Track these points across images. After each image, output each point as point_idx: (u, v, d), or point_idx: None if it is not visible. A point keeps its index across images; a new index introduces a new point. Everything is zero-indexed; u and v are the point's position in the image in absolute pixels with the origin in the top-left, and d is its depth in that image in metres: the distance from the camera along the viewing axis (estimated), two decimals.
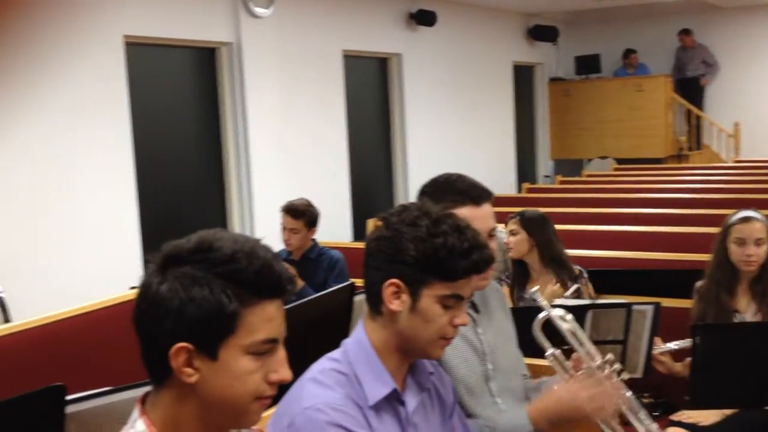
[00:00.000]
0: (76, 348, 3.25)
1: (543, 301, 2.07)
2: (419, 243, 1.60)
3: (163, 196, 6.53)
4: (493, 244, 1.97)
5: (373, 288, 1.65)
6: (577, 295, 3.46)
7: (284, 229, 4.53)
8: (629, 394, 1.99)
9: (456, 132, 9.74)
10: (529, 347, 2.14)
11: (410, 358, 1.70)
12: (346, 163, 8.17)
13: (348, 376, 1.62)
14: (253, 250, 1.21)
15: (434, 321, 1.62)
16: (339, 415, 1.53)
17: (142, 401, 1.27)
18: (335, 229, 7.25)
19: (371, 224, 6.04)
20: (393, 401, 1.65)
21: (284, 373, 1.24)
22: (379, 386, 1.62)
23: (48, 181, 5.49)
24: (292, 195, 4.76)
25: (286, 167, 7.21)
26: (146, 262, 1.24)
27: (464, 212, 1.94)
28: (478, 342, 2.03)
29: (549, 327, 2.05)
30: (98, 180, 5.80)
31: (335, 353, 1.68)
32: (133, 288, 4.02)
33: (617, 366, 1.97)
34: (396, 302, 1.63)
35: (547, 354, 2.00)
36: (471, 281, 1.64)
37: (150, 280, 1.21)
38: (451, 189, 2.02)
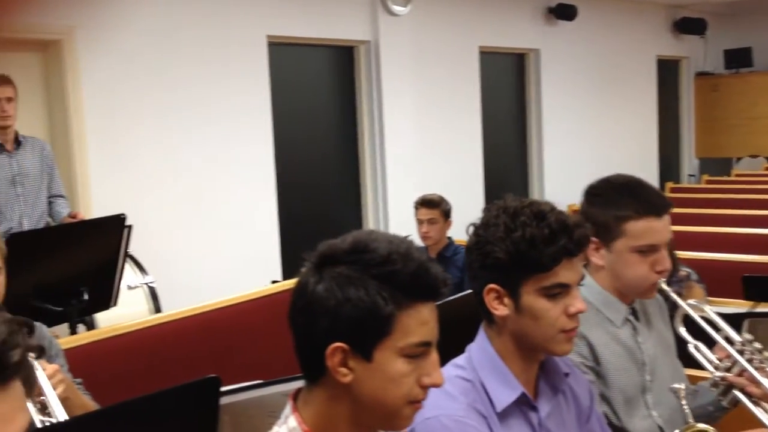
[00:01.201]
0: (220, 338, 3.36)
1: (672, 294, 1.96)
2: (500, 243, 1.53)
3: (300, 193, 6.67)
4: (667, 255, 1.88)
5: (478, 298, 1.61)
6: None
7: (421, 222, 4.51)
8: None
9: (595, 129, 9.46)
10: (687, 358, 2.04)
11: (536, 357, 1.63)
12: (481, 161, 8.09)
13: (473, 383, 1.58)
14: (408, 251, 1.20)
15: (544, 316, 1.54)
16: (459, 426, 1.50)
17: (294, 397, 1.28)
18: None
19: None
20: (523, 406, 1.59)
21: (437, 377, 1.23)
22: (507, 391, 1.57)
23: (198, 179, 5.73)
24: (426, 193, 4.74)
25: (421, 165, 7.22)
26: (302, 260, 1.25)
27: (644, 224, 1.86)
28: (639, 351, 1.94)
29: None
30: (242, 177, 6.01)
31: (460, 359, 1.64)
32: (274, 282, 4.11)
33: (757, 345, 1.87)
34: (500, 307, 1.57)
35: (689, 346, 1.92)
36: (572, 264, 1.54)
37: (307, 279, 1.22)
38: (633, 196, 1.89)
